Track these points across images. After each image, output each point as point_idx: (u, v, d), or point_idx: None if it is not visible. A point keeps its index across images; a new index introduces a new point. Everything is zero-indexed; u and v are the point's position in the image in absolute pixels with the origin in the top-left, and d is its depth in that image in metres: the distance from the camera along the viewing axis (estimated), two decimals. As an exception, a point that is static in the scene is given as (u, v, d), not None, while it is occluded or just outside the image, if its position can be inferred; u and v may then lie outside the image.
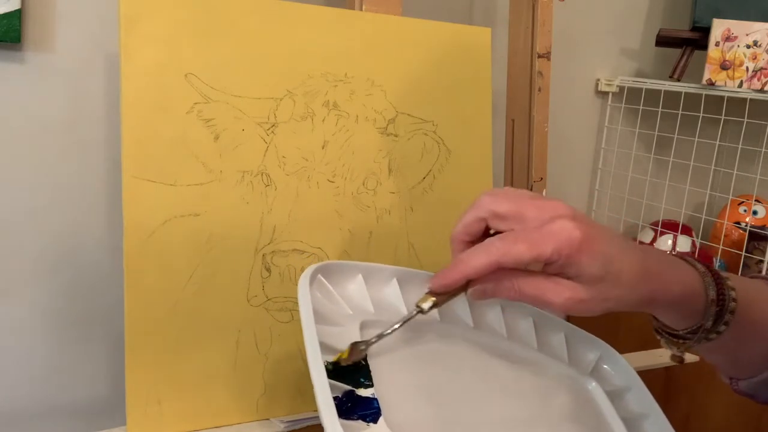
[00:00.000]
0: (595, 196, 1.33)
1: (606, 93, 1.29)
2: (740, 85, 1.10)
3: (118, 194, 0.59)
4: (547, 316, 0.62)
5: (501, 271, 0.43)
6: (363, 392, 0.47)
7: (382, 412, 0.45)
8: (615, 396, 0.60)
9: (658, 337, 0.51)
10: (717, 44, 1.10)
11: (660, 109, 1.21)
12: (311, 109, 0.68)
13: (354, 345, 0.48)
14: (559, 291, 0.42)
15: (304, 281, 0.49)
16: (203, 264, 0.62)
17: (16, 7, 0.74)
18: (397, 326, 0.48)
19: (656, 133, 1.24)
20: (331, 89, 0.69)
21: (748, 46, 1.09)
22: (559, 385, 0.58)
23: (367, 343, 0.48)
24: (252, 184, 0.65)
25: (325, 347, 0.46)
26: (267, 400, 0.64)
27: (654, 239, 1.25)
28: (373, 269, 0.56)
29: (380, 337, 0.48)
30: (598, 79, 1.28)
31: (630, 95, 1.26)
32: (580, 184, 1.33)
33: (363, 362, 0.48)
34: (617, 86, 1.27)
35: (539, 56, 0.91)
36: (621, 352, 0.85)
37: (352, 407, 0.45)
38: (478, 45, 0.79)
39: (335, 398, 0.44)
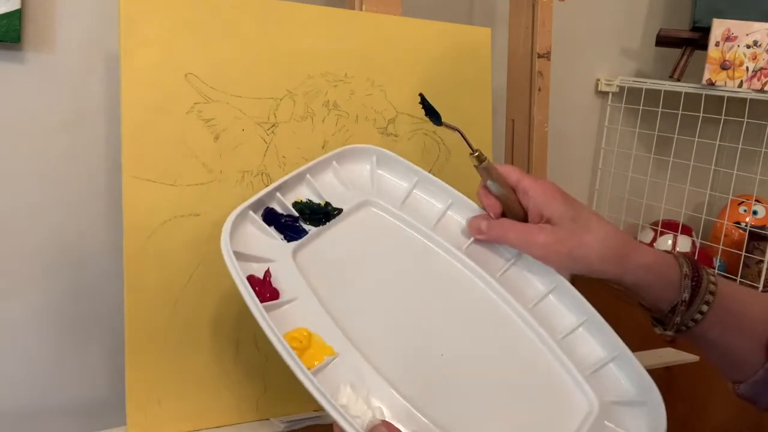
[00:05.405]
0: (595, 196, 1.33)
1: (606, 93, 1.29)
2: (740, 85, 1.10)
3: (118, 194, 0.59)
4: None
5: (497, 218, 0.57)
6: (305, 225, 0.58)
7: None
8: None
9: (643, 311, 0.57)
10: (717, 44, 1.10)
11: (660, 109, 1.21)
12: (311, 109, 0.68)
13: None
14: (541, 231, 0.54)
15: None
16: (203, 264, 0.62)
17: (16, 7, 0.74)
18: (462, 133, 0.56)
19: (656, 133, 1.24)
20: (331, 89, 0.69)
21: (748, 46, 1.09)
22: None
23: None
24: (252, 184, 0.65)
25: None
26: (267, 400, 0.64)
27: (654, 239, 1.25)
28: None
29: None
30: (598, 79, 1.28)
31: (630, 95, 1.26)
32: (580, 184, 1.33)
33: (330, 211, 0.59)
34: (617, 86, 1.27)
35: (539, 56, 0.91)
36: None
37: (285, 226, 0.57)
38: (478, 45, 0.79)
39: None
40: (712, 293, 0.52)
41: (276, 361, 0.65)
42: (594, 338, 0.57)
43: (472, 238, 0.62)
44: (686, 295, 0.52)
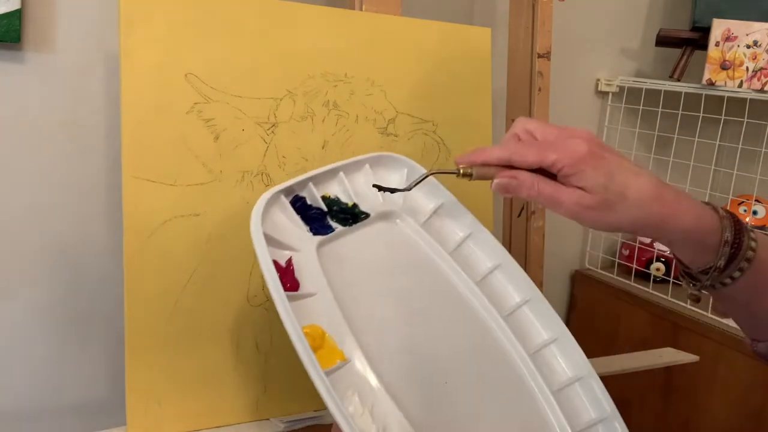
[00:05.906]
0: (595, 196, 1.33)
1: (606, 93, 1.29)
2: (740, 85, 1.10)
3: (118, 194, 0.59)
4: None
5: (525, 173, 0.50)
6: (331, 222, 0.57)
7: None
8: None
9: (677, 262, 0.54)
10: (717, 44, 1.10)
11: (660, 109, 1.21)
12: (311, 109, 0.68)
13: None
14: (570, 194, 0.49)
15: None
16: (203, 264, 0.62)
17: (16, 7, 0.74)
18: (434, 172, 0.55)
19: (656, 133, 1.24)
20: (331, 89, 0.69)
21: (748, 46, 1.09)
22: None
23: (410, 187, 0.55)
24: (252, 184, 0.65)
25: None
26: (267, 400, 0.64)
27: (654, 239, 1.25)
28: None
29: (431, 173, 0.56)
30: (598, 79, 1.28)
31: (630, 95, 1.26)
32: (580, 184, 1.33)
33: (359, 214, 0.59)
34: (617, 86, 1.27)
35: (539, 56, 0.91)
36: (621, 352, 0.85)
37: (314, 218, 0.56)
38: (478, 45, 0.79)
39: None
40: (748, 260, 0.49)
41: (276, 361, 0.65)
42: (586, 397, 0.58)
43: (486, 271, 0.61)
44: (722, 262, 0.50)
